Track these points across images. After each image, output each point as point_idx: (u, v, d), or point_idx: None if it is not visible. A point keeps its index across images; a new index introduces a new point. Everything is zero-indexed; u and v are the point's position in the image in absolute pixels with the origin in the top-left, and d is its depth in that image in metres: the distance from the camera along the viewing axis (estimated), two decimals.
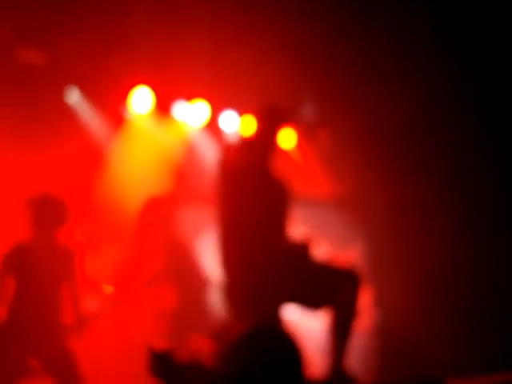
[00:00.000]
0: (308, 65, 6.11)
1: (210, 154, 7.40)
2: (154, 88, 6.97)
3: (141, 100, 6.98)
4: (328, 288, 3.92)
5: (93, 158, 7.10)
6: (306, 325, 5.05)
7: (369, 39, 5.77)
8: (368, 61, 6.00)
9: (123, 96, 7.01)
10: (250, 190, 4.02)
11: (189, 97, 7.08)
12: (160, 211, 6.82)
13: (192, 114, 7.13)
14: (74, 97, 7.18)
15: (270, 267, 3.91)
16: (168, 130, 7.34)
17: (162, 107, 7.14)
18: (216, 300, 6.59)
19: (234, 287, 3.95)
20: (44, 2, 6.41)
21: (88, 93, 7.15)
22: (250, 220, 3.93)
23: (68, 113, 7.10)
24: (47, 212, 5.15)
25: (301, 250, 3.93)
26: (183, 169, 7.32)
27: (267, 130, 4.14)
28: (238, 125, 7.20)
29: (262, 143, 4.14)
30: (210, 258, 6.20)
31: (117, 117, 7.22)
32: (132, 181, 7.11)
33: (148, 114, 7.13)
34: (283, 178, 4.21)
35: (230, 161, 4.20)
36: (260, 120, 4.21)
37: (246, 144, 4.17)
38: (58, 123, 6.94)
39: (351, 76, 6.18)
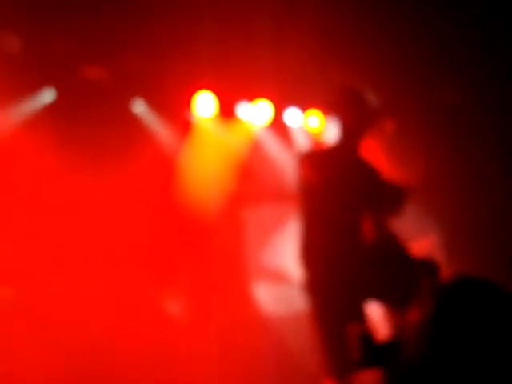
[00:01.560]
0: (370, 56, 6.01)
1: (276, 152, 7.41)
2: (216, 91, 7.00)
3: (204, 104, 7.03)
4: (409, 280, 3.84)
5: (164, 165, 7.21)
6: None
7: (433, 26, 5.62)
8: (433, 47, 5.86)
9: (187, 101, 7.08)
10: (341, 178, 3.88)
11: (251, 97, 7.08)
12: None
13: (255, 113, 7.14)
14: (139, 107, 7.29)
15: (354, 263, 3.86)
16: (233, 131, 7.37)
17: (226, 109, 7.17)
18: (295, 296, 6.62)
19: (316, 283, 3.92)
20: (102, 18, 6.50)
21: (153, 102, 7.25)
22: (334, 213, 3.85)
23: (135, 124, 7.22)
24: None
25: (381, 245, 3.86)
26: (251, 168, 7.35)
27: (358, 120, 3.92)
28: (302, 121, 7.18)
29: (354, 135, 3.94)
30: (289, 255, 6.22)
31: (182, 122, 7.30)
32: (203, 183, 7.19)
33: (212, 117, 7.18)
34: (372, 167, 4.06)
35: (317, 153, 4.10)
36: (347, 110, 3.99)
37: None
38: (125, 135, 7.08)
39: (415, 65, 6.05)
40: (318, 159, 4.02)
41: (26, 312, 6.45)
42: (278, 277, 7.16)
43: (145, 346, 6.45)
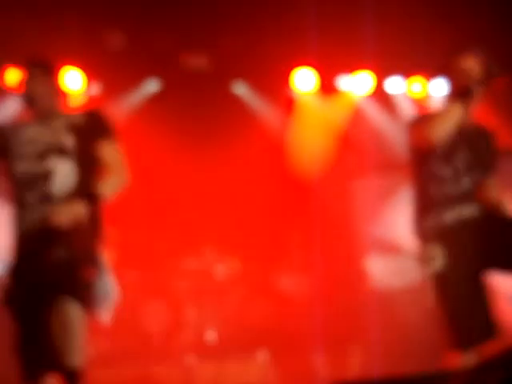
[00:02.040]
0: (474, 16, 5.84)
1: (381, 121, 7.33)
2: (315, 65, 6.99)
3: (304, 79, 7.04)
4: None
5: (269, 143, 7.28)
6: None
7: None
8: None
9: (287, 78, 7.10)
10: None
11: (350, 69, 7.03)
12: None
13: (356, 84, 7.08)
14: (240, 89, 7.37)
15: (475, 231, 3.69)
16: (335, 104, 7.35)
17: (326, 83, 7.15)
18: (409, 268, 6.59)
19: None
20: (196, 7, 6.60)
21: (253, 82, 7.32)
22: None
23: (238, 105, 7.32)
24: None
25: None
26: (356, 139, 7.32)
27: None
28: (405, 88, 7.07)
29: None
30: (401, 226, 6.18)
31: (284, 99, 7.33)
32: (309, 158, 7.23)
33: (313, 92, 7.18)
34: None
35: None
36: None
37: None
38: (229, 116, 7.19)
39: None
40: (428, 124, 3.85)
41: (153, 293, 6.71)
42: (390, 249, 7.12)
43: (260, 322, 6.59)
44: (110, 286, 3.15)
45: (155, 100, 7.22)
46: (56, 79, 3.34)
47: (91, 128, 3.22)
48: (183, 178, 7.06)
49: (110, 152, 3.23)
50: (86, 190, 3.15)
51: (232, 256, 7.00)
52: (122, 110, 7.11)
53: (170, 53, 6.94)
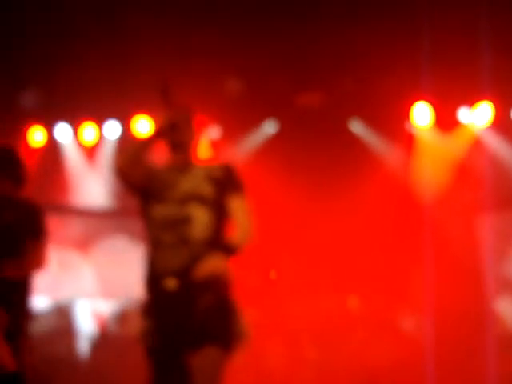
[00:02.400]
0: None
1: (501, 152, 7.09)
2: (431, 99, 6.90)
3: (422, 113, 6.95)
4: None
5: (389, 180, 7.20)
6: None
7: None
8: None
9: (404, 114, 7.05)
10: None
11: (468, 100, 6.89)
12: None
13: (475, 116, 6.91)
14: (357, 127, 7.38)
15: None
16: (455, 137, 7.19)
17: (444, 116, 7.03)
18: None
19: None
20: (310, 47, 6.71)
21: (370, 119, 7.31)
22: None
23: (354, 143, 7.31)
24: None
25: None
26: (480, 172, 7.09)
27: None
28: None
29: None
30: None
31: (402, 135, 7.26)
32: (432, 194, 7.08)
33: (431, 125, 7.07)
34: None
35: None
36: None
37: None
38: (347, 155, 7.19)
39: None
40: None
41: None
42: None
43: (381, 361, 6.45)
44: (244, 328, 3.27)
45: (273, 141, 7.35)
46: (194, 121, 3.47)
47: (226, 181, 3.37)
48: (302, 218, 7.10)
49: (239, 208, 3.37)
50: (219, 239, 3.31)
51: (352, 295, 6.93)
52: (241, 152, 7.30)
53: (286, 94, 7.09)
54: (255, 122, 7.39)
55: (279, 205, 7.07)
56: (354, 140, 7.33)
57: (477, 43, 5.94)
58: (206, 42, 6.47)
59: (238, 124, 7.25)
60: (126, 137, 7.22)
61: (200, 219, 3.29)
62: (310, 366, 6.50)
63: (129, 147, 3.40)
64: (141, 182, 3.37)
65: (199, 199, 3.31)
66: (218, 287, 3.23)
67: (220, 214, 3.33)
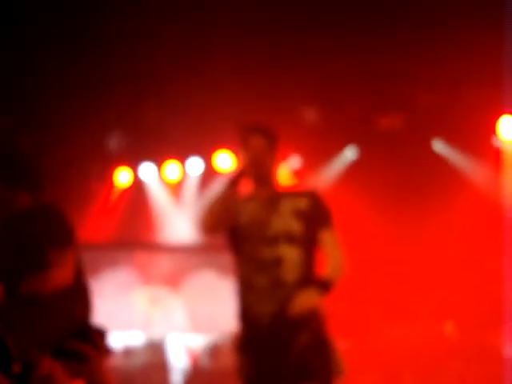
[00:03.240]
0: None
1: None
2: None
3: (508, 127, 6.70)
4: None
5: (478, 199, 6.92)
6: None
7: None
8: None
9: (490, 129, 6.81)
10: None
11: None
12: None
13: None
14: (440, 147, 7.18)
15: None
16: None
17: None
18: None
19: None
20: (387, 68, 6.60)
21: (453, 138, 7.09)
22: None
23: (439, 163, 7.10)
24: None
25: None
26: None
27: None
28: None
29: None
30: None
31: (488, 151, 7.01)
32: None
33: None
34: None
35: None
36: None
37: None
38: (431, 176, 6.98)
39: None
40: None
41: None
42: None
43: None
44: (341, 364, 3.20)
45: (355, 166, 7.24)
46: (276, 151, 3.39)
47: (314, 213, 3.27)
48: (391, 242, 6.90)
49: (330, 242, 3.27)
50: (311, 276, 3.23)
51: (448, 321, 6.65)
52: (324, 179, 7.22)
53: (365, 118, 6.98)
54: (336, 148, 7.30)
55: (367, 231, 6.90)
56: (438, 160, 7.12)
57: None
58: (282, 72, 6.47)
59: (318, 152, 7.18)
60: (209, 172, 7.29)
61: (291, 260, 3.22)
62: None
63: (215, 204, 3.27)
64: (229, 223, 3.31)
65: (289, 238, 3.24)
66: (313, 324, 3.15)
67: (310, 249, 3.25)
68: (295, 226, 3.25)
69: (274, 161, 3.36)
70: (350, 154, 7.33)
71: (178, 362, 6.93)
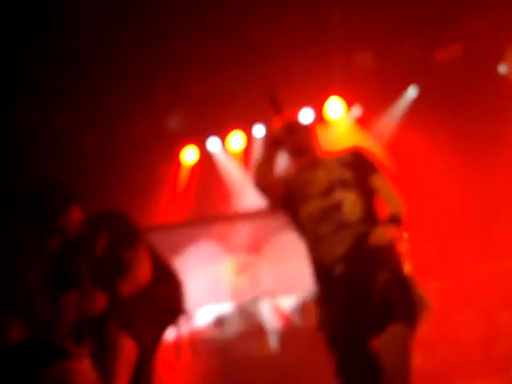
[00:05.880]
0: None
1: None
2: None
3: None
4: None
5: None
6: None
7: None
8: None
9: None
10: None
11: None
12: None
13: None
14: (505, 69, 6.77)
15: None
16: None
17: None
18: None
19: None
20: None
21: None
22: None
23: (506, 87, 6.71)
24: None
25: None
26: None
27: None
28: None
29: None
30: None
31: None
32: None
33: None
34: None
35: None
36: None
37: None
38: (501, 103, 6.60)
39: None
40: None
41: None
42: None
43: None
44: (425, 299, 3.13)
45: (417, 104, 6.94)
46: (315, 133, 3.49)
47: (360, 165, 3.32)
48: (459, 183, 6.60)
49: (383, 184, 3.29)
50: (374, 216, 3.22)
51: None
52: (387, 126, 6.98)
53: (422, 54, 6.65)
54: (396, 90, 7.01)
55: (435, 167, 6.64)
56: (505, 84, 6.72)
57: None
58: (325, 18, 6.21)
59: (378, 97, 6.91)
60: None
61: (351, 202, 3.22)
62: (507, 337, 5.97)
63: (258, 163, 3.40)
64: (280, 193, 3.37)
65: (343, 183, 3.26)
66: (391, 261, 3.09)
67: (366, 194, 3.26)
68: (347, 174, 3.29)
69: (309, 131, 3.44)
70: (411, 93, 7.04)
71: (271, 325, 6.95)
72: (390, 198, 3.24)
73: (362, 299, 3.08)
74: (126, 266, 3.53)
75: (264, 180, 3.37)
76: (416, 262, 6.26)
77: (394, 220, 3.13)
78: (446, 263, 6.51)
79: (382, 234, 3.09)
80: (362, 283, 3.09)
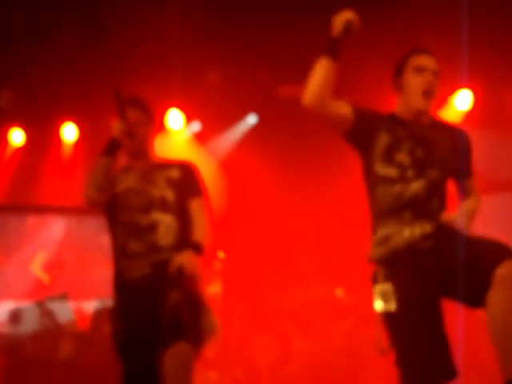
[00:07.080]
0: None
1: None
2: None
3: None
4: None
5: None
6: None
7: None
8: None
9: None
10: None
11: None
12: None
13: None
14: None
15: None
16: None
17: None
18: None
19: None
20: (288, 38, 6.42)
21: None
22: None
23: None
24: None
25: None
26: None
27: None
28: None
29: None
30: None
31: None
32: None
33: None
34: None
35: None
36: None
37: None
38: (332, 144, 6.85)
39: None
40: None
41: None
42: None
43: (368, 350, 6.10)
44: (213, 323, 3.23)
45: (255, 133, 7.09)
46: (152, 124, 3.46)
47: (185, 183, 3.34)
48: (287, 210, 6.82)
49: (198, 209, 3.32)
50: (186, 240, 3.25)
51: (338, 286, 6.66)
52: (223, 145, 7.05)
53: (267, 85, 6.82)
54: (236, 114, 7.12)
55: (263, 195, 6.80)
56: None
57: None
58: (185, 36, 6.21)
59: (218, 117, 6.98)
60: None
61: (166, 225, 3.25)
62: (299, 357, 6.22)
63: (93, 175, 3.26)
64: (109, 195, 3.31)
65: (163, 205, 3.28)
66: (185, 283, 3.15)
67: (183, 216, 3.30)
68: (168, 194, 3.30)
69: (150, 133, 3.41)
70: (251, 120, 7.18)
71: (70, 327, 6.70)
72: (198, 225, 3.28)
73: (153, 314, 3.14)
74: None
75: (99, 194, 3.27)
76: (229, 282, 6.37)
77: (197, 247, 3.18)
78: (256, 287, 6.66)
79: (181, 260, 3.13)
80: (155, 301, 3.14)
